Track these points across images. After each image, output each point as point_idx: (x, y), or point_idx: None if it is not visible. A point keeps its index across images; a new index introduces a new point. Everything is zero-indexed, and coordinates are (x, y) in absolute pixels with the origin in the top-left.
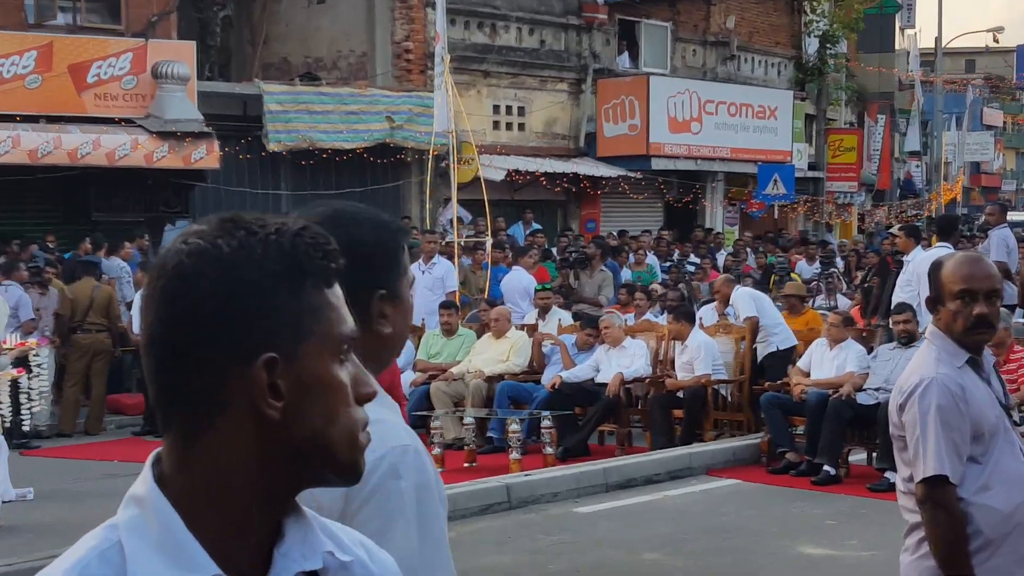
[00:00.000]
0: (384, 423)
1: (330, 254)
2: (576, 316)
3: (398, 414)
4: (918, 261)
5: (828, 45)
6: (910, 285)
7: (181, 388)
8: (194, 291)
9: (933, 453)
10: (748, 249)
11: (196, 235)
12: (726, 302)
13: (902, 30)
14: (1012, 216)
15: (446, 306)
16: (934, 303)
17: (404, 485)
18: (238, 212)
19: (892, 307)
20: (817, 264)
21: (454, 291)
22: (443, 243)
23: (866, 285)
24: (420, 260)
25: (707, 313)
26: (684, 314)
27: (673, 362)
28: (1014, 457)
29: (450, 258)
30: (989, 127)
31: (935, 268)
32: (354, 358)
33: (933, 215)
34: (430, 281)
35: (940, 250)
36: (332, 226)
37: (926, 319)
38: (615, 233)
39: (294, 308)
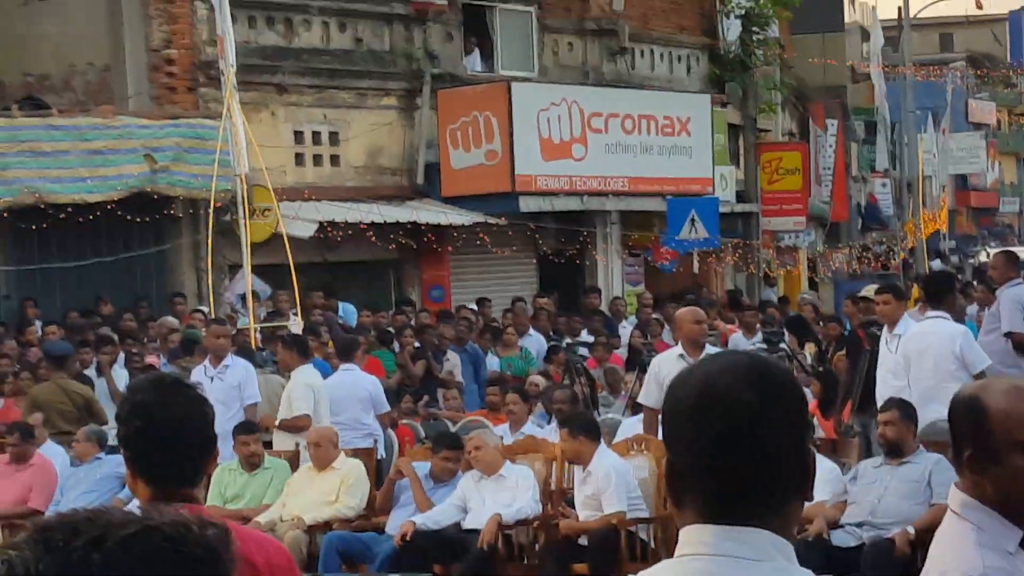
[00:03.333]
0: None
1: None
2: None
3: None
4: (909, 337)
5: (754, 28)
6: (900, 371)
7: None
8: None
9: None
10: (659, 318)
11: None
12: None
13: (852, 1)
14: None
15: (246, 428)
16: (977, 460)
17: None
18: None
19: (879, 404)
20: (759, 336)
21: (255, 403)
22: (234, 333)
23: (826, 368)
24: (206, 361)
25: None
26: (584, 426)
27: (571, 496)
28: None
29: (247, 354)
30: (977, 126)
31: (973, 409)
32: None
33: (911, 255)
34: (222, 391)
35: (938, 322)
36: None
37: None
38: (473, 305)
39: None
